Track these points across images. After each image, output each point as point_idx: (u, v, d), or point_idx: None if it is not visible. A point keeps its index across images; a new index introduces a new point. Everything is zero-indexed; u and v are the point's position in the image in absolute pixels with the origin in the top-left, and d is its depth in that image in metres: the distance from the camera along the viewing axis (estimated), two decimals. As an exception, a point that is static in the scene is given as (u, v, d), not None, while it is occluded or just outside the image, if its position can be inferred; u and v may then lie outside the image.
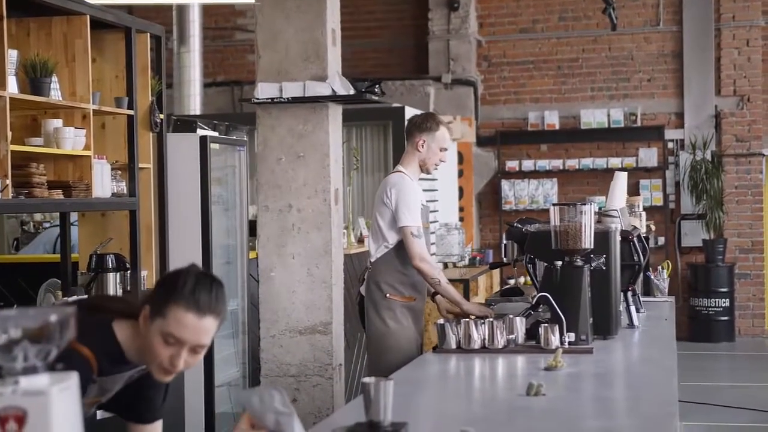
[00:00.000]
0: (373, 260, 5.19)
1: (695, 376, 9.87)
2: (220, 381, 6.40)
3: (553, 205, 4.35)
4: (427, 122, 5.20)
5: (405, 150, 5.24)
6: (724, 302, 11.93)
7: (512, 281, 10.46)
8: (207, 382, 6.16)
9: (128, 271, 5.52)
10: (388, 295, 5.09)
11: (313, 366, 5.44)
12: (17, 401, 1.68)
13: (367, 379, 2.72)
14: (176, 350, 2.54)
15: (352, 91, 5.37)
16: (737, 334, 12.14)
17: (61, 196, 4.91)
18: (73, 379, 1.76)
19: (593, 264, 4.36)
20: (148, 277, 5.80)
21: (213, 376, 6.20)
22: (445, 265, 9.96)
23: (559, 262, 4.28)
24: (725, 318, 11.97)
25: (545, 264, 4.42)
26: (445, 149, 5.22)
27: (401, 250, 5.10)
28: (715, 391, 9.22)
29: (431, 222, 8.81)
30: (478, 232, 12.76)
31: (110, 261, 5.34)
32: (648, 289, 6.44)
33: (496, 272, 10.67)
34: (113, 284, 5.32)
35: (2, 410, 1.68)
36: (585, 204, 4.31)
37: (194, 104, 10.84)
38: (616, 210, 5.07)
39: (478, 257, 10.60)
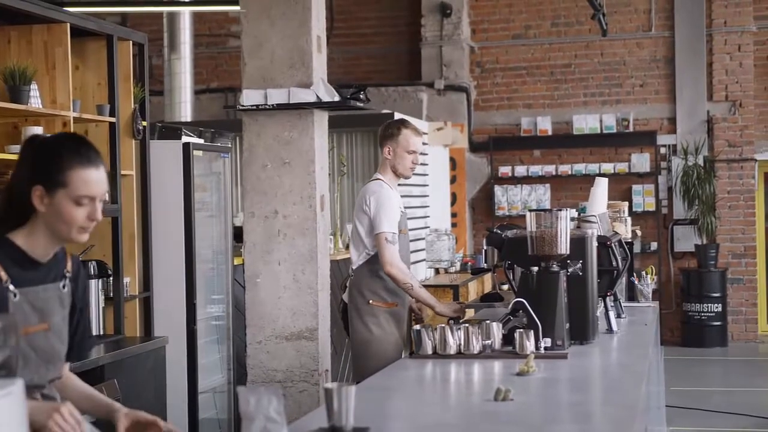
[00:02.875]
0: (354, 267, 5.25)
1: (687, 381, 9.87)
2: (204, 387, 6.41)
3: (530, 210, 4.37)
4: (388, 129, 5.29)
5: (381, 159, 5.32)
6: (717, 307, 11.93)
7: (505, 287, 10.46)
8: (190, 388, 6.17)
9: (110, 278, 5.53)
10: (371, 301, 5.15)
11: (300, 372, 5.45)
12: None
13: (328, 385, 2.75)
14: (90, 207, 2.68)
15: (336, 98, 5.40)
16: (730, 339, 12.14)
17: (42, 203, 4.91)
18: (17, 385, 1.78)
19: (569, 269, 4.37)
20: (131, 284, 5.81)
21: (196, 382, 6.21)
22: (436, 271, 9.98)
23: (535, 268, 4.29)
24: (718, 323, 11.97)
25: (522, 269, 4.43)
26: (413, 152, 5.25)
27: None
28: (707, 396, 9.23)
29: (413, 229, 8.86)
30: (471, 238, 12.77)
31: (92, 267, 5.35)
32: (633, 295, 6.44)
33: (488, 278, 10.67)
34: (95, 291, 5.33)
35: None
36: (561, 210, 4.32)
37: (185, 111, 10.87)
38: (595, 215, 5.08)
39: (469, 263, 10.60)
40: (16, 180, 2.71)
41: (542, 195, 12.58)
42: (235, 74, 13.03)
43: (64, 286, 2.80)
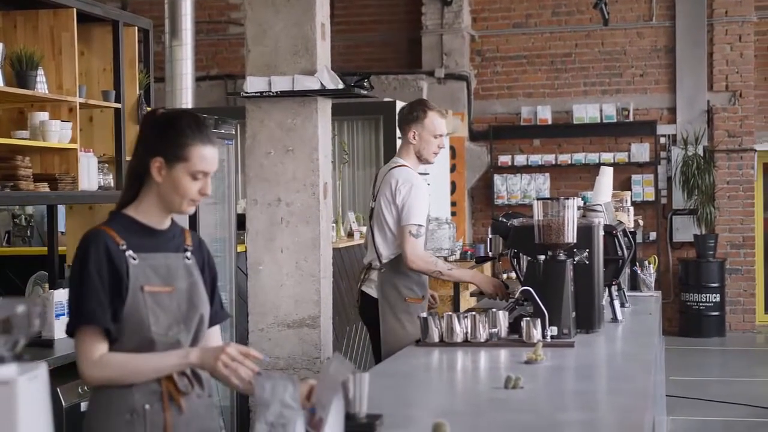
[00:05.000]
0: (384, 261, 5.04)
1: (685, 370, 9.90)
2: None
3: (537, 199, 4.36)
4: (413, 112, 5.08)
5: (402, 143, 5.18)
6: (715, 297, 11.96)
7: (505, 276, 10.46)
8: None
9: (115, 264, 5.52)
10: (407, 298, 5.00)
11: (302, 359, 5.45)
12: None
13: (342, 372, 2.74)
14: (203, 182, 2.83)
15: (340, 86, 5.37)
16: (728, 329, 12.18)
17: (47, 189, 4.92)
18: (41, 369, 1.78)
19: (576, 258, 4.38)
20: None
21: (199, 369, 6.20)
22: (436, 260, 9.97)
23: (542, 257, 4.29)
24: (716, 313, 12.00)
25: (528, 258, 4.44)
26: (440, 135, 5.09)
27: None
28: (705, 386, 9.26)
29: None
30: (471, 227, 12.78)
31: (97, 254, 5.33)
32: (635, 284, 6.45)
33: (488, 267, 10.69)
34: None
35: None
36: (568, 199, 4.32)
37: (186, 98, 10.78)
38: (601, 205, 5.08)
39: (469, 252, 10.61)
40: (138, 153, 2.85)
41: (542, 184, 12.59)
42: (235, 61, 13.02)
43: (188, 258, 2.89)
